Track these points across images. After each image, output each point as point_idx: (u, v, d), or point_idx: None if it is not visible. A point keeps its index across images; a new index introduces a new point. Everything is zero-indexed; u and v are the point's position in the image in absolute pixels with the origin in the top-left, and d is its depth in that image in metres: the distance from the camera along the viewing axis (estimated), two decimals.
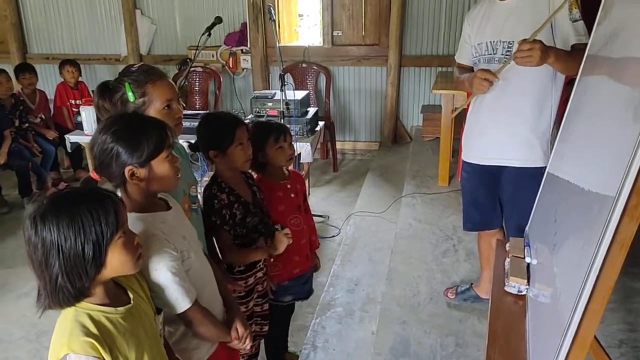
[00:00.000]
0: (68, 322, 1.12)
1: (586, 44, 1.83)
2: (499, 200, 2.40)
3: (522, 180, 2.23)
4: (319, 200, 4.60)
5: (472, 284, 2.73)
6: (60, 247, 1.06)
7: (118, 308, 1.18)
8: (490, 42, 2.18)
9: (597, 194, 1.18)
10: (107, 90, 1.65)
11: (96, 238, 1.08)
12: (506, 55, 2.13)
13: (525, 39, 1.93)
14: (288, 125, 3.83)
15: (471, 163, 2.41)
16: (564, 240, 1.39)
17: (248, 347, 1.63)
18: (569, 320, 1.10)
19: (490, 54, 2.19)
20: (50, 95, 5.27)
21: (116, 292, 1.22)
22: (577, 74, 1.80)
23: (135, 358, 1.17)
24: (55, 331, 1.14)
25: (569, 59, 1.99)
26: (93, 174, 1.38)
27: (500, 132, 2.23)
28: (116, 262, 1.13)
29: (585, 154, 1.46)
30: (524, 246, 1.78)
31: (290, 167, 2.28)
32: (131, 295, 1.24)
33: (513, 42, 2.10)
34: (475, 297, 2.67)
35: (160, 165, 1.36)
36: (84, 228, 1.07)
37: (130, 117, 1.48)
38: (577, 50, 1.98)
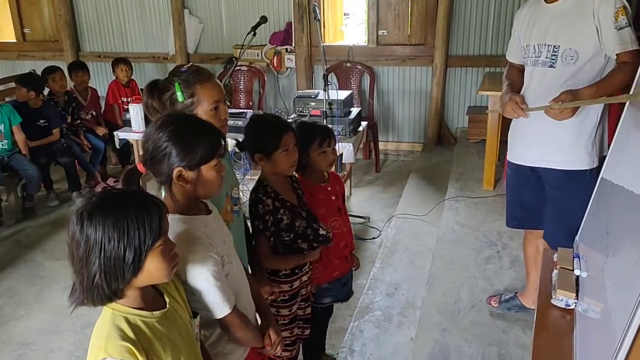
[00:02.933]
0: (105, 325, 1.13)
1: (632, 51, 1.89)
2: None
3: (564, 182, 2.19)
4: (360, 201, 4.57)
5: (516, 292, 2.65)
6: (102, 247, 1.07)
7: (154, 312, 1.18)
8: (537, 44, 2.15)
9: None
10: (156, 89, 1.66)
11: (138, 243, 1.09)
12: (552, 59, 2.10)
13: (555, 99, 1.96)
14: (330, 126, 3.86)
15: (515, 163, 2.37)
16: (617, 254, 1.32)
17: (279, 353, 1.63)
18: (620, 339, 1.03)
19: (536, 57, 2.16)
20: (101, 92, 5.43)
21: (153, 296, 1.22)
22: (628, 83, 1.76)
23: None
24: (93, 334, 1.15)
25: (606, 86, 1.99)
26: (139, 166, 1.39)
27: (543, 135, 2.18)
28: (153, 269, 1.13)
29: None
30: (573, 257, 1.70)
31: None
32: (167, 299, 1.24)
33: (559, 46, 2.08)
34: (520, 307, 2.59)
35: (208, 172, 1.37)
36: (128, 232, 1.08)
37: (189, 119, 1.47)
38: (621, 64, 1.99)
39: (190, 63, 1.72)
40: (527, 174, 2.33)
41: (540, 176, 2.29)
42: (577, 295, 1.55)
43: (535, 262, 2.46)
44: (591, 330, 1.36)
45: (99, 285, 1.09)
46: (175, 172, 1.34)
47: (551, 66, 2.11)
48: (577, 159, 2.16)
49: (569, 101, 1.94)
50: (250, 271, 1.89)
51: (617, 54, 1.99)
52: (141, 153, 1.39)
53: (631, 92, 1.69)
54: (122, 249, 1.08)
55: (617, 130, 1.74)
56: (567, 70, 2.07)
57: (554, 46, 2.09)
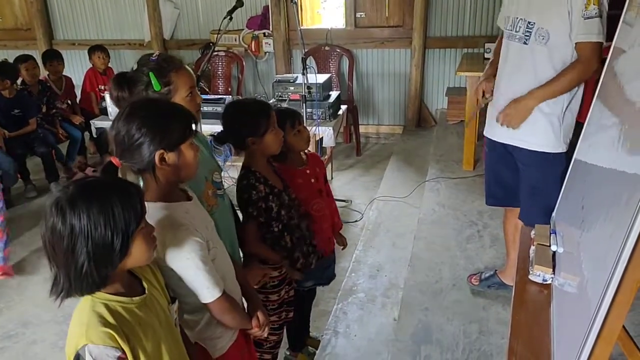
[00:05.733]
0: (85, 312, 1.12)
1: (593, 43, 1.92)
2: None
3: (533, 162, 2.21)
4: (342, 184, 4.58)
5: (496, 270, 2.68)
6: (89, 234, 1.05)
7: (133, 298, 1.18)
8: (515, 18, 2.14)
9: (627, 180, 1.12)
10: (124, 81, 1.63)
11: (125, 227, 1.08)
12: (526, 34, 2.09)
13: (502, 112, 2.13)
14: (310, 110, 3.85)
15: (489, 138, 2.39)
16: (592, 228, 1.34)
17: (266, 334, 1.64)
18: (595, 311, 1.06)
19: (515, 31, 2.14)
20: (76, 81, 5.33)
21: (131, 283, 1.22)
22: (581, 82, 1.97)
23: (152, 348, 1.17)
24: (72, 322, 1.14)
25: (558, 88, 2.04)
26: (114, 160, 1.37)
27: None
28: (138, 252, 1.13)
29: (615, 140, 1.40)
30: (550, 233, 1.73)
31: (308, 151, 2.26)
32: (145, 285, 1.24)
33: (534, 23, 2.07)
34: (500, 284, 2.62)
35: (187, 151, 1.36)
36: (114, 216, 1.07)
37: (155, 102, 1.46)
38: (575, 62, 2.00)
39: (158, 52, 1.70)
40: (503, 152, 2.34)
41: (512, 153, 2.30)
42: (553, 270, 1.58)
43: (514, 239, 2.49)
44: (568, 303, 1.39)
45: (89, 274, 1.08)
46: (157, 156, 1.32)
47: (525, 42, 2.10)
48: (544, 142, 2.16)
49: (512, 115, 2.12)
50: (242, 255, 1.91)
51: (576, 43, 1.98)
52: (112, 147, 1.36)
53: (599, 87, 1.71)
54: (110, 235, 1.07)
55: (589, 116, 1.77)
56: (538, 50, 2.06)
57: (529, 22, 2.07)
